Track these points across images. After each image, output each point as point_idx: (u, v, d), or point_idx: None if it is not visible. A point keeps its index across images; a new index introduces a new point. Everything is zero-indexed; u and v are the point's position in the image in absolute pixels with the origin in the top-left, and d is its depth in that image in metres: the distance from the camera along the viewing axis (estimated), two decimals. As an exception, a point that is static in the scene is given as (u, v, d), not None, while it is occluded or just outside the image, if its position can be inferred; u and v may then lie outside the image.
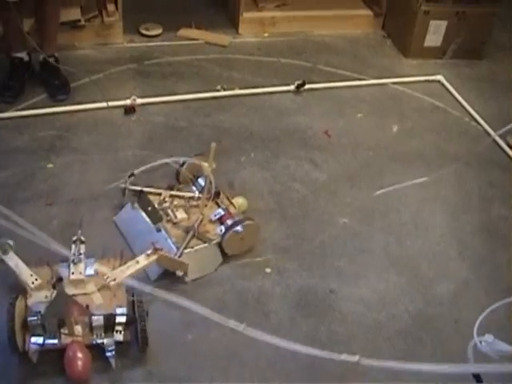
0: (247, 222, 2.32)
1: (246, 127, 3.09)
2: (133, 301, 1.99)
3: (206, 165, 2.30)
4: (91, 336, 1.93)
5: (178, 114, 3.12)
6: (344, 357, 1.58)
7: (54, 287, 1.99)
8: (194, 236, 2.31)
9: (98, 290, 2.04)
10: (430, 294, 2.36)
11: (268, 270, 2.35)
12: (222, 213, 2.38)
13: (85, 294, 2.03)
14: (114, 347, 1.92)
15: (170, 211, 2.40)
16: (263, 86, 3.37)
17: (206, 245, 2.32)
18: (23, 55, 3.12)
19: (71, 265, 2.07)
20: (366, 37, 4.01)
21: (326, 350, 2.04)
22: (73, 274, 2.05)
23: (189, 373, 1.99)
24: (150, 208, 2.39)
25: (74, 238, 2.15)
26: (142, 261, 2.10)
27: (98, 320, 1.91)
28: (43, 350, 1.89)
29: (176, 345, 2.07)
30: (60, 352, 1.89)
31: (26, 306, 1.94)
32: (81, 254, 2.10)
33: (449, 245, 2.57)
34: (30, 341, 1.88)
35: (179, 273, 2.20)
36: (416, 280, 2.40)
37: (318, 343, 2.11)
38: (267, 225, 2.54)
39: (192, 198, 2.47)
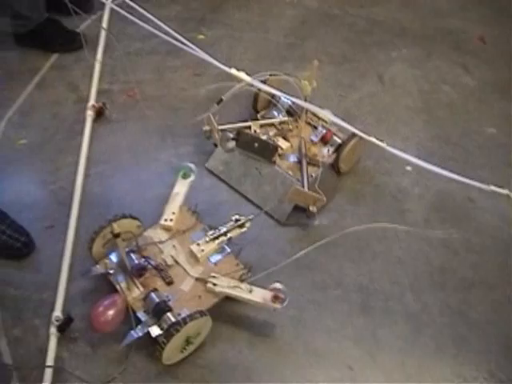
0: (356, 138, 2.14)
1: (399, 22, 3.01)
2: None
3: (306, 83, 2.07)
4: (140, 306, 1.71)
5: (332, 1, 3.06)
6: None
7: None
8: (308, 163, 2.14)
9: (197, 278, 1.79)
10: None
11: (408, 168, 2.32)
12: (324, 131, 2.23)
13: (184, 270, 1.81)
14: (141, 334, 1.64)
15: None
16: (422, -18, 3.26)
17: (321, 169, 2.12)
18: None
19: (206, 237, 1.85)
20: None
21: (458, 257, 2.06)
22: (197, 245, 1.84)
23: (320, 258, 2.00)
24: (256, 144, 2.11)
25: (236, 217, 1.89)
26: (255, 295, 1.74)
27: (152, 299, 1.69)
28: (102, 276, 1.78)
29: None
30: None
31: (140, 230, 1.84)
32: (226, 235, 1.85)
33: None
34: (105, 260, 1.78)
35: (313, 208, 2.02)
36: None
37: (450, 249, 2.09)
38: (413, 123, 2.51)
39: (284, 122, 2.25)
